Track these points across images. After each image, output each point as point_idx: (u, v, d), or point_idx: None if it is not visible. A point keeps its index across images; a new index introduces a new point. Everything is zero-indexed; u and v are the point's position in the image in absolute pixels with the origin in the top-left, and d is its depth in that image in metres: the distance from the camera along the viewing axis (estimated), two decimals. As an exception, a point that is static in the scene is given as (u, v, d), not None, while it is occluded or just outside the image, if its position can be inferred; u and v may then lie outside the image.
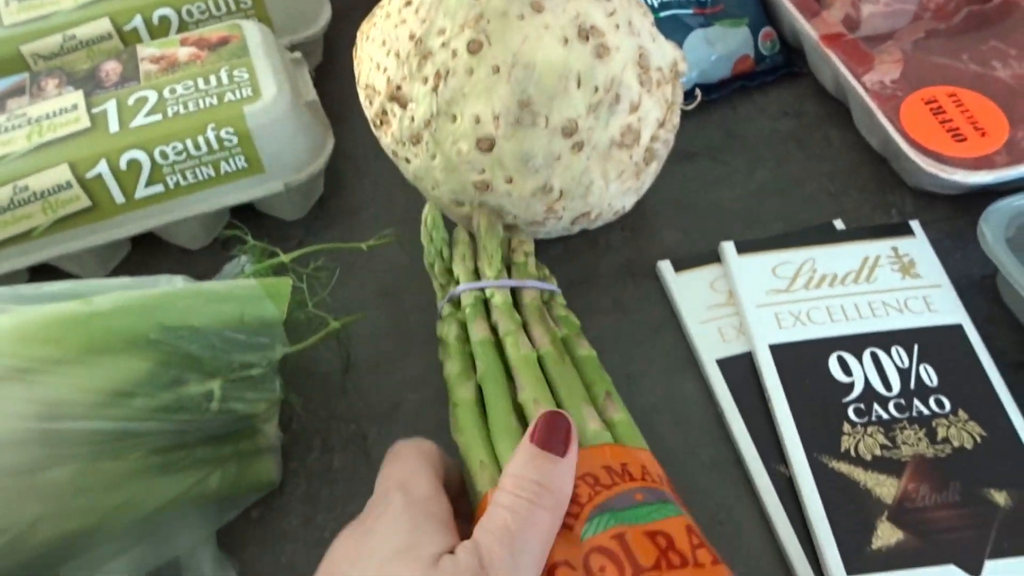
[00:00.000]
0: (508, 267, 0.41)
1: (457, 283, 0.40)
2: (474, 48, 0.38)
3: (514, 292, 0.40)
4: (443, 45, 0.38)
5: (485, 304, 0.39)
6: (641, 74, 0.40)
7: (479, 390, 0.35)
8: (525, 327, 0.37)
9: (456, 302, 0.40)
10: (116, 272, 0.50)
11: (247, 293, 0.36)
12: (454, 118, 0.39)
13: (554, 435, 0.30)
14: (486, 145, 0.39)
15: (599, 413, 0.34)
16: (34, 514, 0.31)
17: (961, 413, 0.39)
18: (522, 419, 0.33)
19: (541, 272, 0.42)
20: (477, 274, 0.40)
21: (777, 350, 0.41)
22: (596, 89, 0.38)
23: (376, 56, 0.41)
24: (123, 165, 0.45)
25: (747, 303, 0.43)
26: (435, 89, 0.39)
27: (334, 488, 0.41)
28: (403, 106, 0.40)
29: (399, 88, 0.40)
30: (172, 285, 0.37)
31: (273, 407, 0.39)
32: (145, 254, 0.51)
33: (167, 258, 0.51)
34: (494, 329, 0.37)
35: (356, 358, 0.45)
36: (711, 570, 0.27)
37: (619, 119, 0.39)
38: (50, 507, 0.32)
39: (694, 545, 0.28)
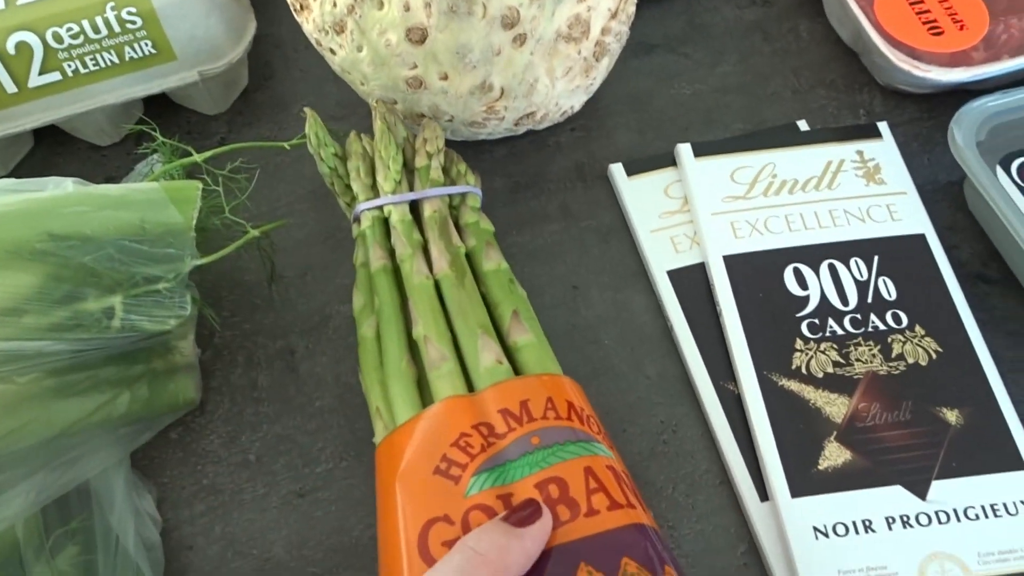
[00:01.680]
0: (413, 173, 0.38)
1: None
2: (401, -83, 0.33)
3: (419, 204, 0.36)
4: (366, -87, 0.33)
5: (386, 224, 0.35)
6: (592, -48, 0.35)
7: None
8: (426, 246, 0.34)
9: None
10: (17, 171, 0.45)
11: (148, 197, 0.32)
12: (381, 4, 0.34)
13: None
14: (417, 36, 0.35)
15: (504, 338, 0.31)
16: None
17: (918, 328, 0.37)
18: (417, 358, 0.31)
19: (455, 169, 0.38)
20: (376, 189, 0.36)
21: (731, 261, 0.39)
22: (540, -31, 0.34)
23: (292, -74, 0.36)
24: (11, 48, 0.39)
25: (702, 210, 0.41)
26: (358, -34, 0.34)
27: (259, 407, 0.38)
28: (323, -14, 0.35)
29: (318, -35, 0.35)
30: (61, 189, 0.33)
31: (188, 323, 0.36)
32: (50, 152, 0.46)
33: (74, 157, 0.46)
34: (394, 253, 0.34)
35: (284, 267, 0.42)
36: (605, 516, 0.25)
37: (566, 8, 0.35)
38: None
39: (590, 490, 0.26)
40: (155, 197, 0.32)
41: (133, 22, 0.40)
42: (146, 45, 0.41)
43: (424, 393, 0.30)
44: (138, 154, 0.44)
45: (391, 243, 0.35)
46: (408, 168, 0.37)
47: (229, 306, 0.41)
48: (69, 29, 0.40)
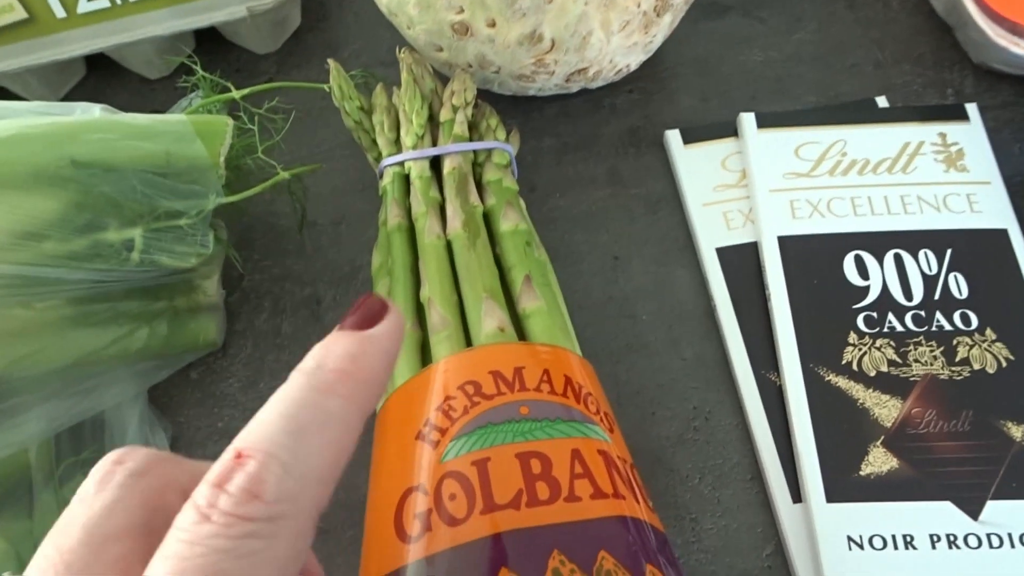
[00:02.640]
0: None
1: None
2: None
3: (441, 160, 0.35)
4: None
5: (406, 180, 0.34)
6: None
7: None
8: (443, 204, 0.33)
9: None
10: (68, 98, 0.45)
11: (175, 130, 0.31)
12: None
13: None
14: (465, -26, 0.33)
15: (514, 303, 0.29)
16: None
17: (988, 332, 0.34)
18: (422, 321, 0.29)
19: (485, 123, 0.36)
20: (400, 144, 0.35)
21: (787, 242, 0.36)
22: (602, -91, 0.31)
23: None
24: None
25: (760, 186, 0.38)
26: None
27: (280, 354, 0.37)
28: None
29: None
30: (87, 115, 0.32)
31: (212, 263, 0.35)
32: (101, 81, 0.46)
33: (124, 88, 0.46)
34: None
35: (318, 215, 0.41)
36: (587, 504, 0.23)
37: (627, -50, 0.33)
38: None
39: (574, 474, 0.23)
40: (182, 130, 0.31)
41: (183, -49, 0.39)
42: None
43: (426, 358, 0.28)
44: (182, 88, 0.43)
45: (410, 200, 0.33)
46: (435, 122, 0.35)
47: (260, 249, 0.40)
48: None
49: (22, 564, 0.29)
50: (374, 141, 0.36)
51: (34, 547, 0.26)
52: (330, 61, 0.36)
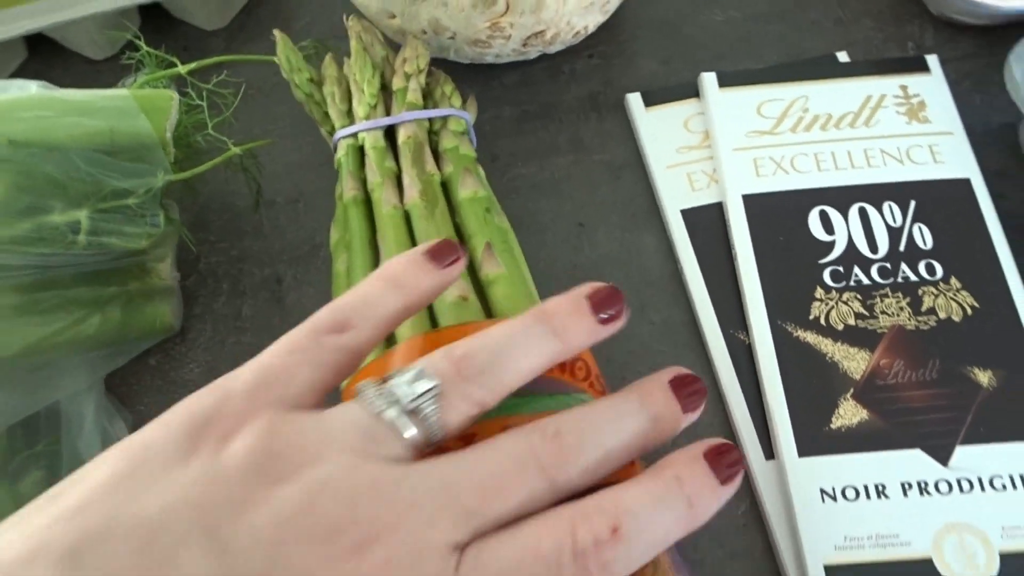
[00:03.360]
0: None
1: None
2: None
3: (395, 129, 0.34)
4: None
5: (361, 152, 0.33)
6: None
7: None
8: (399, 175, 0.32)
9: None
10: (9, 84, 0.44)
11: (117, 105, 0.30)
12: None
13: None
14: (413, -66, 0.32)
15: (475, 271, 0.29)
16: None
17: (954, 281, 0.33)
18: None
19: (440, 91, 0.35)
20: (352, 115, 0.34)
21: (751, 200, 0.36)
22: None
23: None
24: None
25: (723, 145, 0.37)
26: None
27: (242, 336, 0.36)
28: None
29: None
30: (24, 91, 0.31)
31: (164, 244, 0.34)
32: (44, 64, 0.45)
33: (68, 70, 0.44)
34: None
35: (274, 193, 0.40)
36: None
37: (578, -95, 0.32)
38: None
39: None
40: (125, 105, 0.30)
41: (121, -77, 0.38)
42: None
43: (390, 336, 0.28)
44: (126, 66, 0.42)
45: (365, 172, 0.32)
46: (388, 91, 0.34)
47: (217, 230, 0.39)
48: (54, -71, 0.38)
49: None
50: (326, 114, 0.35)
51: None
52: (276, 32, 0.35)
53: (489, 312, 0.28)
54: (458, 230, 0.31)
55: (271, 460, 0.19)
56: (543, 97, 0.42)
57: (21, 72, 0.44)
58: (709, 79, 0.39)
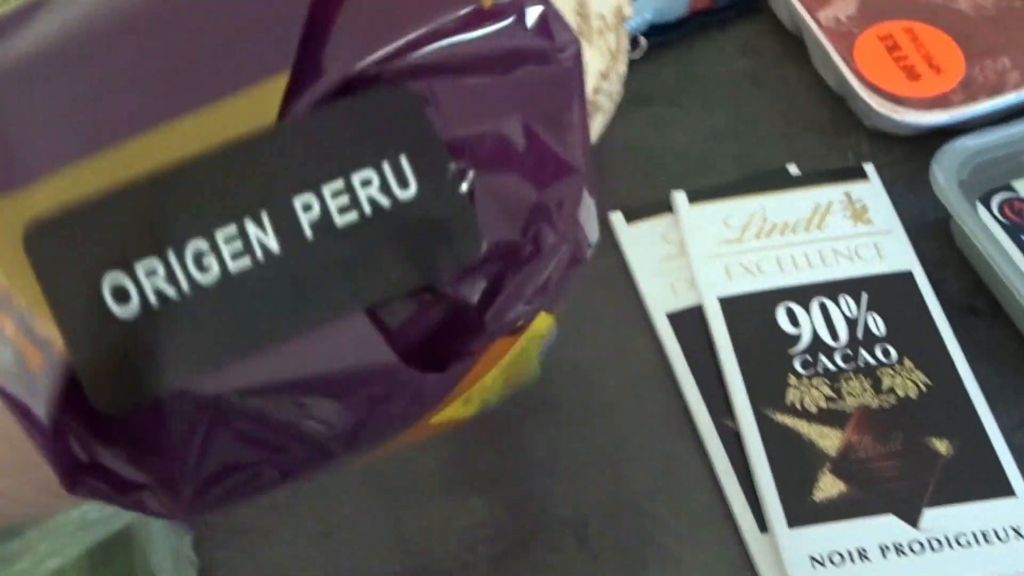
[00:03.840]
0: None
1: None
2: None
3: None
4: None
5: None
6: (580, 24, 0.38)
7: None
8: None
9: None
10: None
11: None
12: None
13: None
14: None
15: None
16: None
17: (907, 362, 0.39)
18: None
19: None
20: None
21: (726, 302, 0.41)
22: (533, 40, 0.37)
23: None
24: None
25: (697, 255, 0.43)
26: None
27: (284, 454, 0.41)
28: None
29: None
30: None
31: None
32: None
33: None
34: None
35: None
36: None
37: (558, 71, 0.38)
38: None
39: None
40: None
41: None
42: None
43: None
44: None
45: None
46: None
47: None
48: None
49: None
50: None
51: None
52: None
53: None
54: None
55: None
56: (535, 219, 0.47)
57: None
58: (680, 197, 0.45)
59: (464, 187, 0.17)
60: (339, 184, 0.16)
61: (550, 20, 0.18)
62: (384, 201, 0.16)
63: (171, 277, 0.15)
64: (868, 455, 0.36)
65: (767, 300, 0.41)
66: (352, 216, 0.16)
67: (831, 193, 0.44)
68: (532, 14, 0.18)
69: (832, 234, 0.43)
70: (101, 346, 0.15)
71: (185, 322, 0.15)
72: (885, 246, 0.42)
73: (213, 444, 0.16)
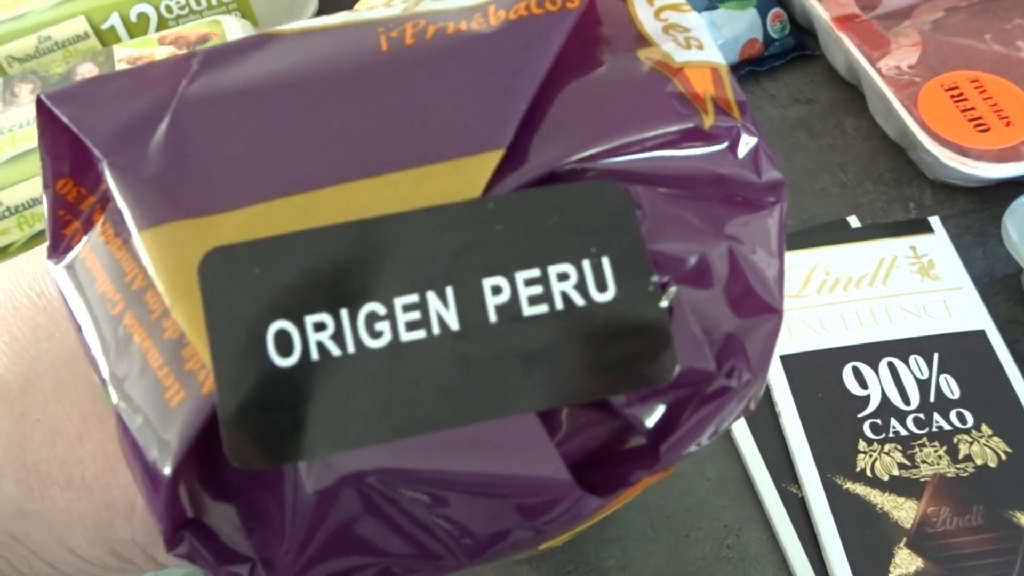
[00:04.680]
0: None
1: None
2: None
3: None
4: None
5: None
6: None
7: None
8: None
9: None
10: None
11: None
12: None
13: None
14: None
15: None
16: None
17: (984, 428, 0.36)
18: None
19: None
20: None
21: (788, 360, 0.39)
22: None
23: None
24: (133, 18, 0.46)
25: (756, 310, 0.41)
26: None
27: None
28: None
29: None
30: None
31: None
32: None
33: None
34: None
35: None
36: None
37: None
38: None
39: None
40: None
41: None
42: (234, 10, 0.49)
43: None
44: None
45: None
46: None
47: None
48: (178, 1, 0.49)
49: None
50: None
51: None
52: None
53: None
54: None
55: None
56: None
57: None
58: (736, 249, 0.43)
59: (664, 303, 0.15)
60: (535, 273, 0.15)
61: (761, 154, 0.17)
62: (578, 300, 0.15)
63: (339, 335, 0.14)
64: (947, 528, 0.34)
65: (832, 359, 0.39)
66: (542, 308, 0.15)
67: (895, 247, 0.43)
68: (745, 145, 0.17)
69: (899, 290, 0.41)
70: (253, 393, 0.14)
71: (344, 386, 0.14)
72: (955, 303, 0.40)
73: (336, 527, 0.15)
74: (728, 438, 0.39)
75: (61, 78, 0.47)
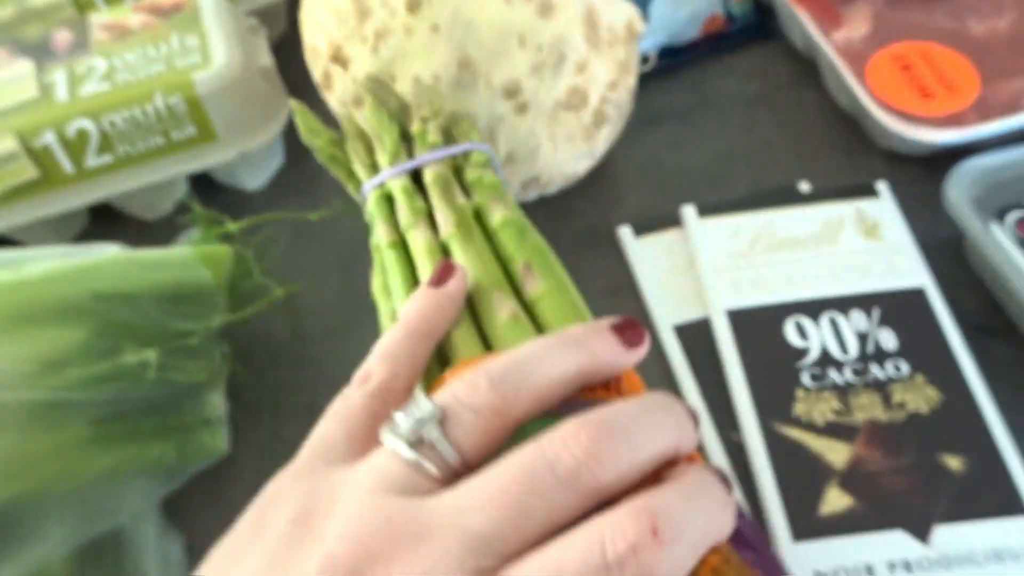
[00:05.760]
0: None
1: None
2: (413, 6, 0.37)
3: (422, 171, 0.35)
4: (382, 3, 0.37)
5: (389, 199, 0.34)
6: (589, 33, 0.39)
7: None
8: (431, 213, 0.33)
9: None
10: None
11: (182, 260, 0.36)
12: (394, 79, 0.38)
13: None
14: (429, 107, 0.38)
15: (519, 291, 0.30)
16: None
17: (919, 377, 0.38)
18: None
19: (459, 128, 0.37)
20: (377, 166, 0.35)
21: (734, 315, 0.40)
22: (540, 48, 0.37)
23: (319, 16, 0.40)
24: (71, 134, 0.44)
25: (706, 268, 0.42)
26: (374, 49, 0.37)
27: (283, 460, 0.40)
28: (344, 67, 0.39)
29: (340, 49, 0.39)
30: (106, 253, 0.36)
31: (217, 377, 0.39)
32: (103, 226, 0.51)
33: (125, 229, 0.50)
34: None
35: (309, 328, 0.44)
36: None
37: (564, 80, 0.38)
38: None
39: None
40: (188, 260, 0.36)
41: (179, 107, 0.45)
42: (190, 127, 0.46)
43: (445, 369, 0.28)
44: (181, 225, 0.48)
45: (396, 216, 0.33)
46: (409, 139, 0.37)
47: (259, 364, 0.43)
48: (123, 116, 0.44)
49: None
50: (350, 172, 0.37)
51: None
52: (292, 102, 0.38)
53: (541, 331, 0.28)
54: (498, 257, 0.31)
55: (305, 518, 0.22)
56: (544, 233, 0.47)
57: (84, 235, 0.50)
58: (689, 211, 0.45)
59: None
60: None
61: None
62: None
63: None
64: (877, 469, 0.35)
65: (776, 313, 0.40)
66: None
67: (842, 209, 0.44)
68: None
69: (843, 249, 0.42)
70: None
71: None
72: (897, 263, 0.42)
73: None
74: (672, 386, 0.40)
75: (37, 43, 0.48)
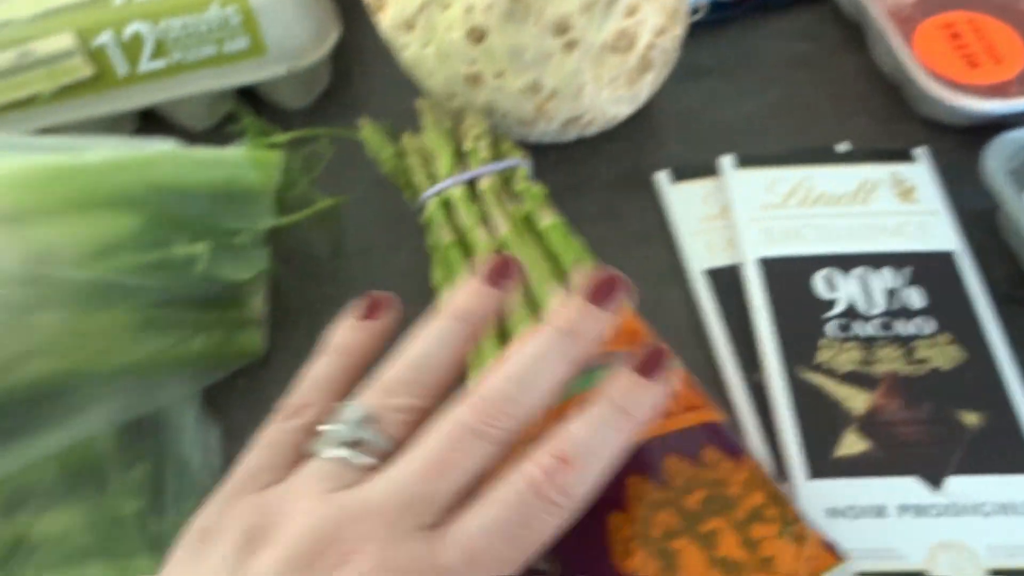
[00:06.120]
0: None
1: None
2: (475, -69, 0.37)
3: (474, 182, 0.41)
4: (446, -73, 0.38)
5: (447, 205, 0.40)
6: (646, -27, 0.39)
7: None
8: (486, 218, 0.38)
9: None
10: (119, 148, 0.50)
11: (236, 160, 0.37)
12: (447, 5, 0.38)
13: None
14: (477, 36, 0.39)
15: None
16: (24, 347, 0.32)
17: (943, 336, 0.38)
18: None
19: (501, 148, 0.42)
20: (434, 177, 0.41)
21: (765, 263, 0.41)
22: (596, -17, 0.38)
23: (378, -63, 0.41)
24: (127, 36, 0.45)
25: (740, 216, 0.43)
26: (434, -29, 0.38)
27: (316, 366, 0.41)
28: (401, -11, 0.40)
29: (399, -31, 0.39)
30: (162, 148, 0.37)
31: (259, 280, 0.40)
32: (151, 133, 0.51)
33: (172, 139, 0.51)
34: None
35: (347, 245, 0.45)
36: (683, 417, 0.31)
37: (614, 21, 0.39)
38: (41, 344, 0.33)
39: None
40: (242, 161, 0.36)
41: (234, 18, 0.45)
42: (242, 40, 0.46)
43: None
44: (228, 136, 0.49)
45: (454, 221, 0.39)
46: (460, 153, 0.42)
47: (297, 275, 0.44)
48: (179, 22, 0.45)
49: (98, 534, 0.32)
50: (407, 181, 0.42)
51: (109, 520, 0.30)
52: (363, 121, 0.43)
53: None
54: (547, 253, 0.37)
55: (252, 533, 0.23)
56: (581, 173, 0.48)
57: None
58: (727, 161, 0.45)
59: None
60: None
61: None
62: None
63: None
64: (895, 419, 0.36)
65: (807, 265, 0.41)
66: None
67: (878, 171, 0.44)
68: None
69: (877, 209, 0.43)
70: None
71: None
72: (930, 226, 0.42)
73: None
74: (700, 329, 0.41)
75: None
